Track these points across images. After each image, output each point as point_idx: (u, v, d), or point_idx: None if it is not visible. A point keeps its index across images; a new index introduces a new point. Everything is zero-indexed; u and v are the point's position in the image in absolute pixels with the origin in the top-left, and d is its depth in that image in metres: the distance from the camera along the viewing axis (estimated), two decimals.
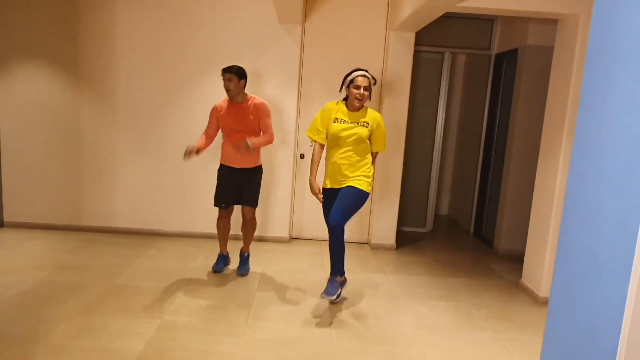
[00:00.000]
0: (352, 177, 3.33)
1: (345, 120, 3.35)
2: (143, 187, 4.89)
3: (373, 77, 3.31)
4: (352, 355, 2.78)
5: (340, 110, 3.38)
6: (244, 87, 3.67)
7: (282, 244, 4.91)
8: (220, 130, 3.78)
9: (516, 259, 4.61)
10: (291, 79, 4.74)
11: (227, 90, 3.59)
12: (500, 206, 5.12)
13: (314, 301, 3.51)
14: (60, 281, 3.59)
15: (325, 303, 3.48)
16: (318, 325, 3.13)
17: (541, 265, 3.81)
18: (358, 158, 3.34)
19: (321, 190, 3.41)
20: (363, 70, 3.32)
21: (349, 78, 3.33)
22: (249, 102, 3.69)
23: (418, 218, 5.85)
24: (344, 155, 3.34)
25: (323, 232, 5.00)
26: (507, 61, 5.23)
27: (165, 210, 4.91)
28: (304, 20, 4.73)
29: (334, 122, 3.35)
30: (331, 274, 3.39)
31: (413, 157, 5.63)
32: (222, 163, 3.80)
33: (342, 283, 3.45)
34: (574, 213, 1.37)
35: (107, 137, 4.81)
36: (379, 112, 4.87)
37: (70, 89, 4.74)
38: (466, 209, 6.07)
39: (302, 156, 4.94)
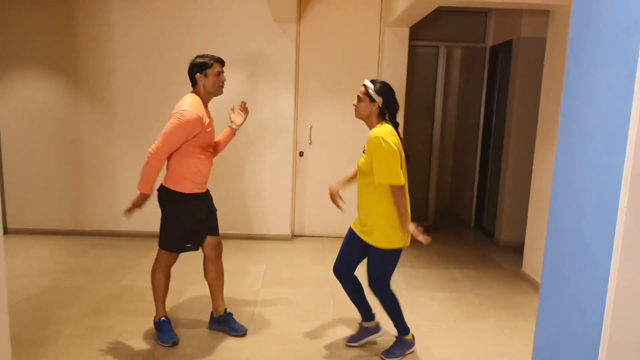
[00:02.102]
0: (365, 229, 2.59)
1: (364, 147, 2.58)
2: None
3: (375, 84, 2.53)
4: (356, 348, 2.82)
5: None
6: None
7: (284, 241, 4.95)
8: (185, 149, 2.67)
9: (517, 250, 4.65)
10: (287, 78, 4.78)
11: (220, 90, 2.77)
12: (500, 198, 5.16)
13: (318, 296, 3.55)
14: (66, 285, 3.64)
15: (330, 299, 3.53)
16: (322, 319, 3.18)
17: (541, 253, 3.85)
18: (366, 200, 2.57)
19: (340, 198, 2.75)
20: (368, 80, 2.59)
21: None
22: None
23: (418, 212, 5.88)
24: (358, 195, 2.65)
25: (324, 228, 5.06)
26: (502, 53, 5.26)
27: None
28: (299, 19, 4.77)
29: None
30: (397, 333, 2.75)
31: (411, 151, 5.65)
32: (192, 192, 2.73)
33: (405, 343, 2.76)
34: (561, 197, 1.42)
35: (106, 141, 4.85)
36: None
37: (68, 95, 4.78)
38: (466, 202, 6.11)
39: (301, 154, 4.99)
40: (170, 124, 2.60)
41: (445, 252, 4.79)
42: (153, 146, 2.60)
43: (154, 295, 2.85)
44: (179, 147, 2.65)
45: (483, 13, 5.46)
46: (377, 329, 2.85)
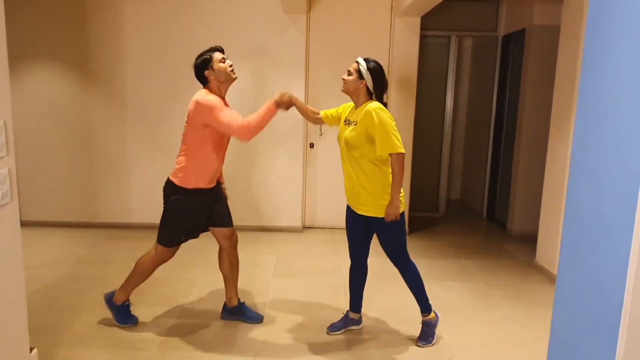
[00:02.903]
0: (361, 203, 2.58)
1: (348, 120, 2.64)
2: (156, 181, 4.94)
3: (368, 63, 2.60)
4: (368, 337, 2.82)
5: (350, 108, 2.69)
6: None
7: (295, 233, 4.95)
8: (196, 143, 2.64)
9: (530, 240, 4.60)
10: (298, 69, 4.77)
11: (233, 74, 2.71)
12: (512, 188, 5.11)
13: (330, 286, 3.55)
14: (80, 275, 3.68)
15: (341, 289, 3.52)
16: (334, 309, 3.18)
17: (555, 243, 3.81)
18: (357, 173, 2.54)
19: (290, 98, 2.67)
20: (362, 58, 2.66)
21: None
22: None
23: (430, 203, 5.86)
24: (345, 169, 2.64)
25: (335, 220, 5.05)
26: (514, 42, 5.20)
27: None
28: (309, 9, 4.74)
29: (344, 124, 2.67)
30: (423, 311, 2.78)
31: (423, 142, 5.63)
32: (196, 187, 2.68)
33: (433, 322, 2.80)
34: (579, 178, 1.40)
35: (118, 133, 4.89)
36: (388, 97, 4.89)
37: (80, 88, 4.82)
38: (478, 192, 6.06)
39: (311, 145, 4.98)
40: (208, 109, 2.53)
41: (457, 242, 4.76)
42: (235, 126, 2.51)
43: (131, 280, 2.85)
44: (195, 138, 2.62)
45: (495, 1, 5.40)
46: (359, 321, 2.94)
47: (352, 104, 2.70)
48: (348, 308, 2.93)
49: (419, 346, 2.72)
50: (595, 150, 1.34)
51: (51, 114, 4.86)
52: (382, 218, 2.51)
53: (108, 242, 4.51)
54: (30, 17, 4.70)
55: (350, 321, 2.91)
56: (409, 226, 5.02)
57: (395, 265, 2.69)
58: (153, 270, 2.88)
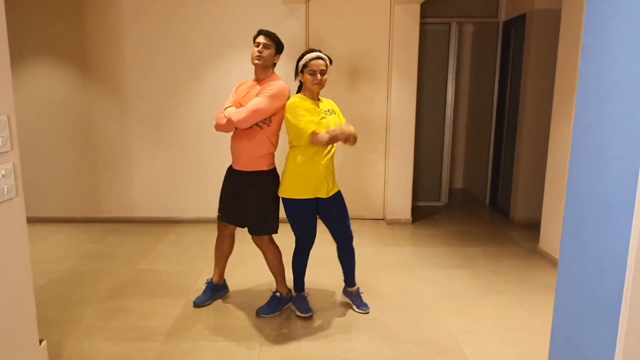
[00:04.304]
0: (332, 184, 2.88)
1: (328, 111, 2.82)
2: (158, 176, 4.99)
3: (329, 58, 2.75)
4: (374, 323, 2.84)
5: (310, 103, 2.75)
6: (274, 65, 2.89)
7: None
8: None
9: (533, 227, 4.61)
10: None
11: (258, 57, 2.78)
12: (515, 175, 5.10)
13: (333, 275, 3.57)
14: (86, 269, 3.71)
15: (341, 272, 3.54)
16: (339, 296, 3.20)
17: (558, 228, 3.81)
18: (332, 157, 2.86)
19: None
20: (316, 51, 2.72)
21: (302, 63, 2.72)
22: (269, 81, 2.82)
23: (433, 192, 5.86)
24: (331, 154, 2.82)
25: None
26: (515, 28, 5.16)
27: (181, 197, 5.00)
28: None
29: (325, 116, 2.76)
30: (351, 284, 3.08)
31: (425, 131, 5.62)
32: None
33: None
34: (580, 158, 1.40)
35: (119, 128, 4.89)
36: (388, 87, 4.87)
37: (81, 83, 4.82)
38: (481, 180, 6.06)
39: None
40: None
41: (460, 231, 4.77)
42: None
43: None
44: None
45: None
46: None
47: (306, 99, 2.74)
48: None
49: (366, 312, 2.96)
50: (596, 130, 1.34)
51: (53, 110, 4.87)
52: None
53: (112, 237, 4.54)
54: (29, 12, 4.69)
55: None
56: (411, 215, 5.03)
57: (350, 238, 2.96)
58: (221, 245, 3.11)
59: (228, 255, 3.16)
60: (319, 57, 2.68)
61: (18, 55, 4.75)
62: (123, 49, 4.75)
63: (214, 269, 3.16)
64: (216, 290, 3.16)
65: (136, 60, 4.77)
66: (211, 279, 3.16)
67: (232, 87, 3.00)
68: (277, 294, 3.01)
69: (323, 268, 3.67)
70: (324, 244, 4.34)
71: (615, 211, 1.24)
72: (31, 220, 4.98)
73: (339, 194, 2.91)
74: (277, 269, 3.00)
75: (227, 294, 3.24)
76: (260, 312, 2.94)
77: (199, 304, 3.05)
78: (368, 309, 2.99)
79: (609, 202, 1.26)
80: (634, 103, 1.19)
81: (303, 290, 3.02)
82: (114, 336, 2.69)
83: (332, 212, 2.88)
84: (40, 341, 2.27)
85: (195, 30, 4.68)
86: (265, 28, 2.89)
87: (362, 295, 3.08)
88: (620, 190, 1.22)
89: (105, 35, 4.73)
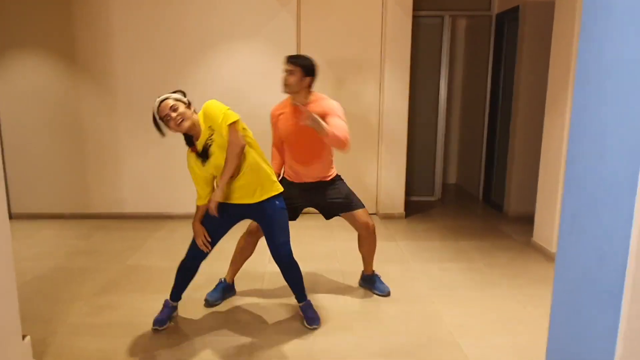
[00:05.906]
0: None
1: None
2: (148, 170, 4.91)
3: (182, 92, 2.74)
4: (368, 316, 2.80)
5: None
6: (310, 85, 2.81)
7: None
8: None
9: (526, 221, 4.59)
10: (289, 53, 4.67)
11: (285, 85, 2.77)
12: (508, 169, 5.08)
13: (327, 269, 3.52)
14: (74, 266, 3.63)
15: (339, 274, 3.49)
16: (333, 290, 3.15)
17: (552, 221, 3.79)
18: None
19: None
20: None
21: (157, 116, 2.70)
22: (312, 104, 2.76)
23: (426, 187, 5.83)
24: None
25: None
26: (508, 21, 5.14)
27: (171, 193, 4.93)
28: None
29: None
30: (303, 299, 2.76)
31: (417, 126, 5.59)
32: (285, 177, 3.03)
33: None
34: (579, 142, 1.36)
35: (108, 123, 4.81)
36: (381, 81, 4.83)
37: (68, 77, 4.73)
38: (474, 175, 6.04)
39: None
40: None
41: (454, 225, 4.74)
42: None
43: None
44: None
45: None
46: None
47: (191, 155, 2.71)
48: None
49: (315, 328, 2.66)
50: (595, 112, 1.30)
51: (40, 104, 4.77)
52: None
53: (100, 233, 4.46)
54: (16, 5, 4.59)
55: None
56: (405, 209, 5.00)
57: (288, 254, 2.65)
58: (241, 244, 3.06)
59: (247, 258, 3.08)
60: (161, 102, 2.57)
61: (4, 48, 4.65)
62: (112, 42, 4.66)
63: (229, 267, 3.08)
64: (227, 290, 3.06)
65: (125, 52, 4.68)
66: (224, 278, 3.07)
67: (269, 118, 3.01)
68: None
69: (319, 263, 3.61)
70: (318, 240, 4.30)
71: (616, 193, 1.19)
72: (18, 217, 4.90)
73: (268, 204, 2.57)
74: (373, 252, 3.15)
75: (234, 295, 3.10)
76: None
77: (211, 302, 2.94)
78: (317, 325, 2.69)
79: (609, 184, 1.22)
80: (633, 84, 1.14)
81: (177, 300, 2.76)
82: (101, 332, 2.62)
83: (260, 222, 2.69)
84: (24, 336, 2.20)
85: (185, 24, 4.60)
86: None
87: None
88: (621, 171, 1.18)
89: (94, 28, 4.64)
